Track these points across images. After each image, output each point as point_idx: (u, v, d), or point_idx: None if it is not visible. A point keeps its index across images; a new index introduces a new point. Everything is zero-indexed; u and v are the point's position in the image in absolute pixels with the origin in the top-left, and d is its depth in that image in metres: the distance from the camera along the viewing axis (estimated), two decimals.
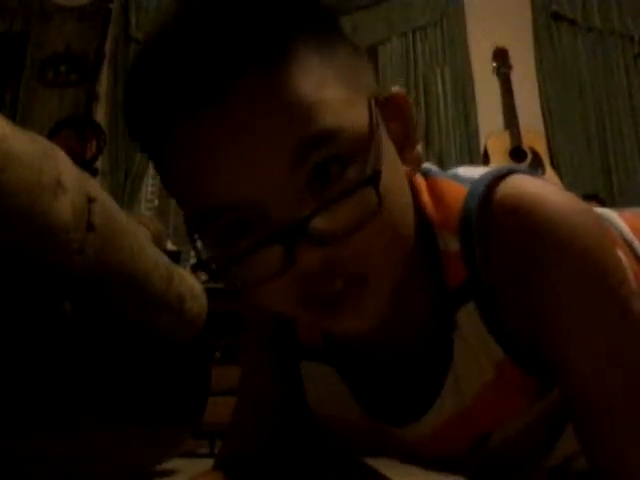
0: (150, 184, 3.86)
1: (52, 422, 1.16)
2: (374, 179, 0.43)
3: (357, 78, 0.47)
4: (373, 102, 0.47)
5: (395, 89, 0.51)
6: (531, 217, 0.48)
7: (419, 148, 0.51)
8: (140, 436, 1.59)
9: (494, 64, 3.72)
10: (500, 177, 0.52)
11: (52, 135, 3.42)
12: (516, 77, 3.67)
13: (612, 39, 3.74)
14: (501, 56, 3.72)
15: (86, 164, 3.40)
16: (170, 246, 3.22)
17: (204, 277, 3.32)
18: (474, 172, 0.54)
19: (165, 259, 1.56)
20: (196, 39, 0.43)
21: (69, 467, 1.35)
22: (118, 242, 1.28)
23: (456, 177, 0.55)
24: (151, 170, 3.85)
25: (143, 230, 1.54)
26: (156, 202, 3.85)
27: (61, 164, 1.09)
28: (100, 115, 3.84)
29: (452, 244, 0.52)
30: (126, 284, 1.35)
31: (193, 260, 3.62)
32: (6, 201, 0.96)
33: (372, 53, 3.84)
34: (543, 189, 0.50)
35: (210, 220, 0.45)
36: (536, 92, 3.67)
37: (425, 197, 0.54)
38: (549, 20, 3.77)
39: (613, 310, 0.48)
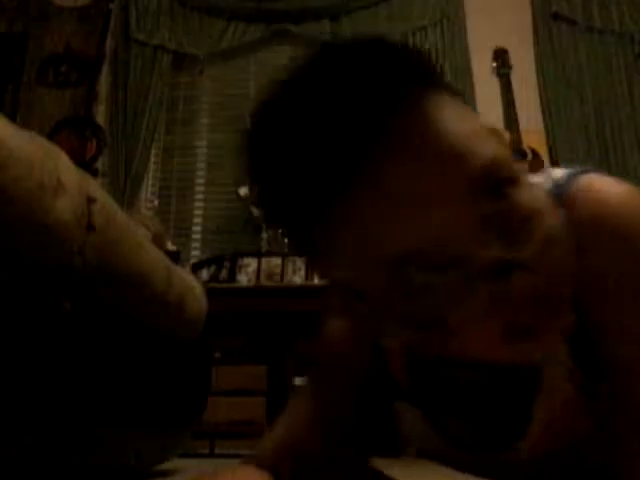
0: (150, 184, 3.86)
1: (52, 422, 1.16)
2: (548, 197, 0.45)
3: (471, 112, 0.49)
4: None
5: (489, 123, 0.52)
6: (590, 212, 0.51)
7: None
8: (140, 436, 1.59)
9: (494, 64, 3.72)
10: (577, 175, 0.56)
11: (52, 135, 3.42)
12: (516, 77, 3.67)
13: (612, 39, 3.73)
14: (501, 56, 3.72)
15: (86, 164, 3.40)
16: (170, 246, 3.23)
17: (204, 277, 3.33)
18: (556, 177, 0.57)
19: (165, 259, 1.56)
20: (328, 104, 0.42)
21: (69, 467, 1.35)
22: (118, 242, 1.28)
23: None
24: (151, 170, 3.85)
25: (143, 230, 1.54)
26: (156, 202, 3.85)
27: (61, 164, 1.09)
28: (100, 115, 3.84)
29: None
30: (126, 284, 1.35)
31: (193, 260, 3.63)
32: (6, 201, 0.96)
33: None
34: (608, 185, 0.53)
35: (398, 273, 0.43)
36: (536, 92, 3.67)
37: None
38: (549, 20, 3.77)
39: None
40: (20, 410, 1.06)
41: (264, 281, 3.27)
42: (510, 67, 3.69)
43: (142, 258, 1.40)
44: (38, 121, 3.67)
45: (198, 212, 3.80)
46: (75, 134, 3.61)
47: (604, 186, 0.52)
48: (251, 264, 3.34)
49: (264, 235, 3.47)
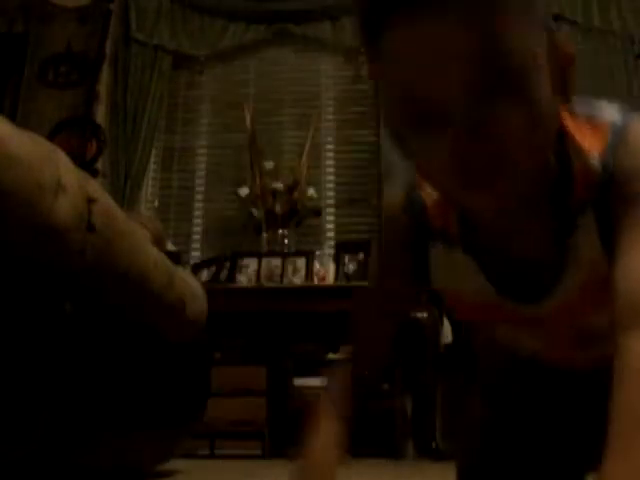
0: (150, 184, 3.86)
1: (53, 423, 1.16)
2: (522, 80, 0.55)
3: (534, 16, 0.56)
4: (544, 38, 0.57)
5: (563, 36, 0.61)
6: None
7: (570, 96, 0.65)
8: (140, 436, 1.59)
9: None
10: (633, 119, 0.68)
11: (53, 136, 3.42)
12: None
13: (612, 39, 3.74)
14: None
15: (86, 165, 3.40)
16: (170, 246, 3.23)
17: (204, 277, 3.33)
18: (609, 112, 0.70)
19: (165, 260, 1.56)
20: None
21: (70, 467, 1.35)
22: (118, 243, 1.28)
23: (595, 117, 0.70)
24: (151, 170, 3.85)
25: (143, 231, 1.54)
26: (156, 202, 3.85)
27: (61, 165, 1.09)
28: (100, 115, 3.84)
29: (595, 165, 0.65)
30: (126, 285, 1.35)
31: (193, 260, 3.63)
32: (7, 202, 0.96)
33: None
34: None
35: (406, 103, 0.56)
36: None
37: (570, 123, 0.68)
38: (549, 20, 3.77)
39: None
40: (21, 411, 1.06)
41: (264, 282, 3.27)
42: None
43: (142, 259, 1.40)
44: (38, 121, 3.67)
45: (198, 212, 3.80)
46: (75, 134, 3.61)
47: None
48: (251, 265, 3.34)
49: (264, 235, 3.47)
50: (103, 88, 3.89)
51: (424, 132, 0.57)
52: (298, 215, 3.49)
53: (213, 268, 3.42)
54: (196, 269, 3.44)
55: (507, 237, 0.70)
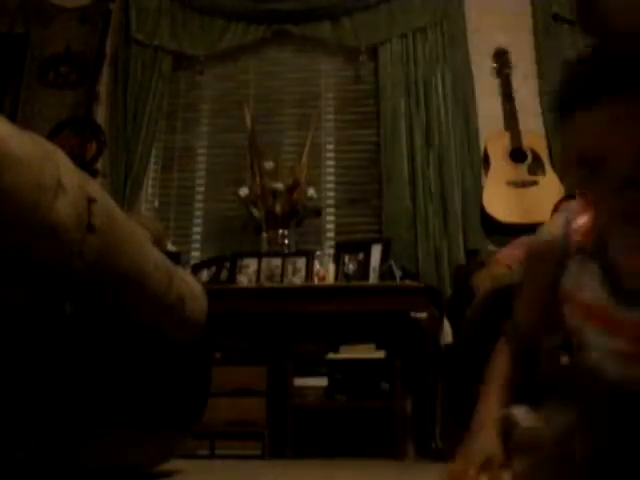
0: (150, 185, 3.86)
1: (53, 423, 1.16)
2: None
3: None
4: None
5: None
6: None
7: None
8: (140, 437, 1.59)
9: (494, 65, 3.72)
10: None
11: (53, 136, 3.43)
12: (516, 77, 3.67)
13: None
14: (501, 57, 3.72)
15: (86, 165, 3.41)
16: (170, 246, 3.23)
17: (204, 278, 3.33)
18: None
19: (165, 260, 1.56)
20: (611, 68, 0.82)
21: (70, 467, 1.35)
22: (118, 243, 1.28)
23: None
24: (151, 171, 3.85)
25: (143, 231, 1.54)
26: (156, 202, 3.85)
27: (61, 165, 1.09)
28: (100, 115, 3.84)
29: None
30: (126, 285, 1.35)
31: (193, 261, 3.63)
32: (6, 202, 0.96)
33: (372, 53, 3.84)
34: None
35: (582, 158, 0.84)
36: (536, 92, 3.67)
37: None
38: (549, 21, 3.77)
39: None
40: (21, 411, 1.06)
41: (264, 282, 3.27)
42: (510, 67, 3.69)
43: (142, 259, 1.40)
44: (38, 121, 3.67)
45: (198, 213, 3.80)
46: (75, 134, 3.61)
47: None
48: (251, 265, 3.34)
49: (264, 235, 3.47)
50: (103, 88, 3.89)
51: (597, 175, 0.81)
52: (298, 215, 3.49)
53: (213, 268, 3.42)
54: (196, 269, 3.44)
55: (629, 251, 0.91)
